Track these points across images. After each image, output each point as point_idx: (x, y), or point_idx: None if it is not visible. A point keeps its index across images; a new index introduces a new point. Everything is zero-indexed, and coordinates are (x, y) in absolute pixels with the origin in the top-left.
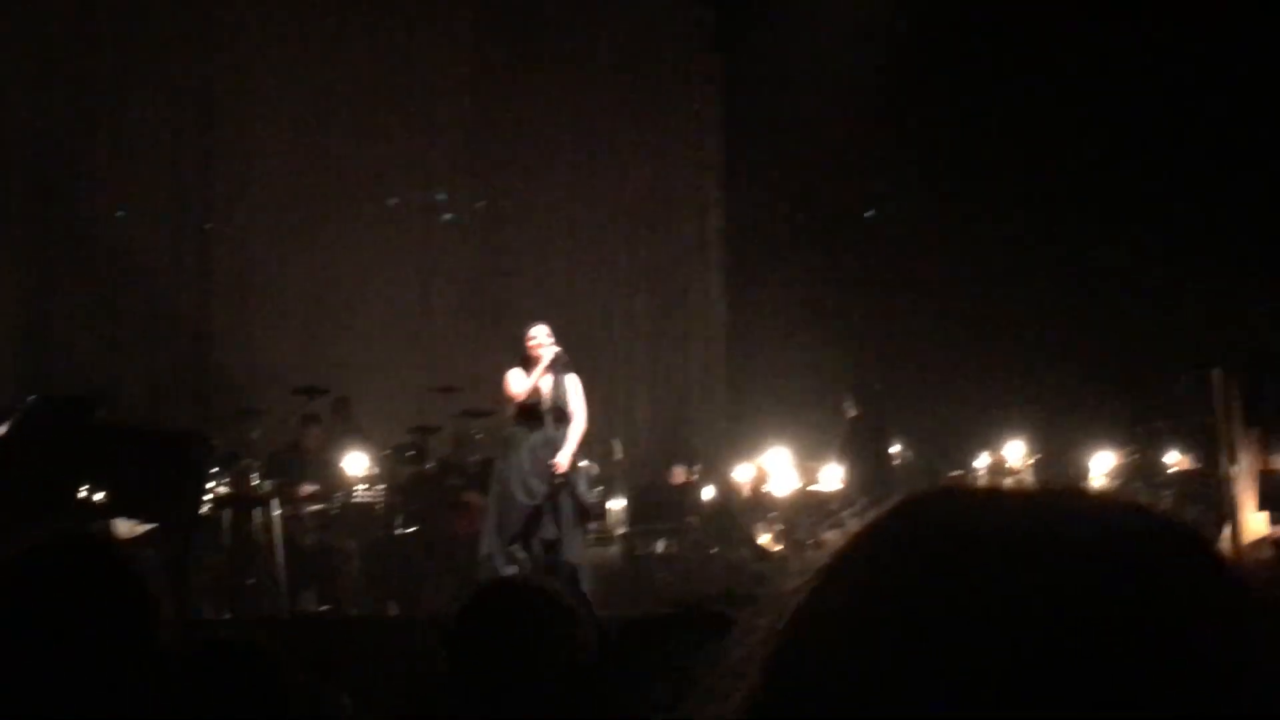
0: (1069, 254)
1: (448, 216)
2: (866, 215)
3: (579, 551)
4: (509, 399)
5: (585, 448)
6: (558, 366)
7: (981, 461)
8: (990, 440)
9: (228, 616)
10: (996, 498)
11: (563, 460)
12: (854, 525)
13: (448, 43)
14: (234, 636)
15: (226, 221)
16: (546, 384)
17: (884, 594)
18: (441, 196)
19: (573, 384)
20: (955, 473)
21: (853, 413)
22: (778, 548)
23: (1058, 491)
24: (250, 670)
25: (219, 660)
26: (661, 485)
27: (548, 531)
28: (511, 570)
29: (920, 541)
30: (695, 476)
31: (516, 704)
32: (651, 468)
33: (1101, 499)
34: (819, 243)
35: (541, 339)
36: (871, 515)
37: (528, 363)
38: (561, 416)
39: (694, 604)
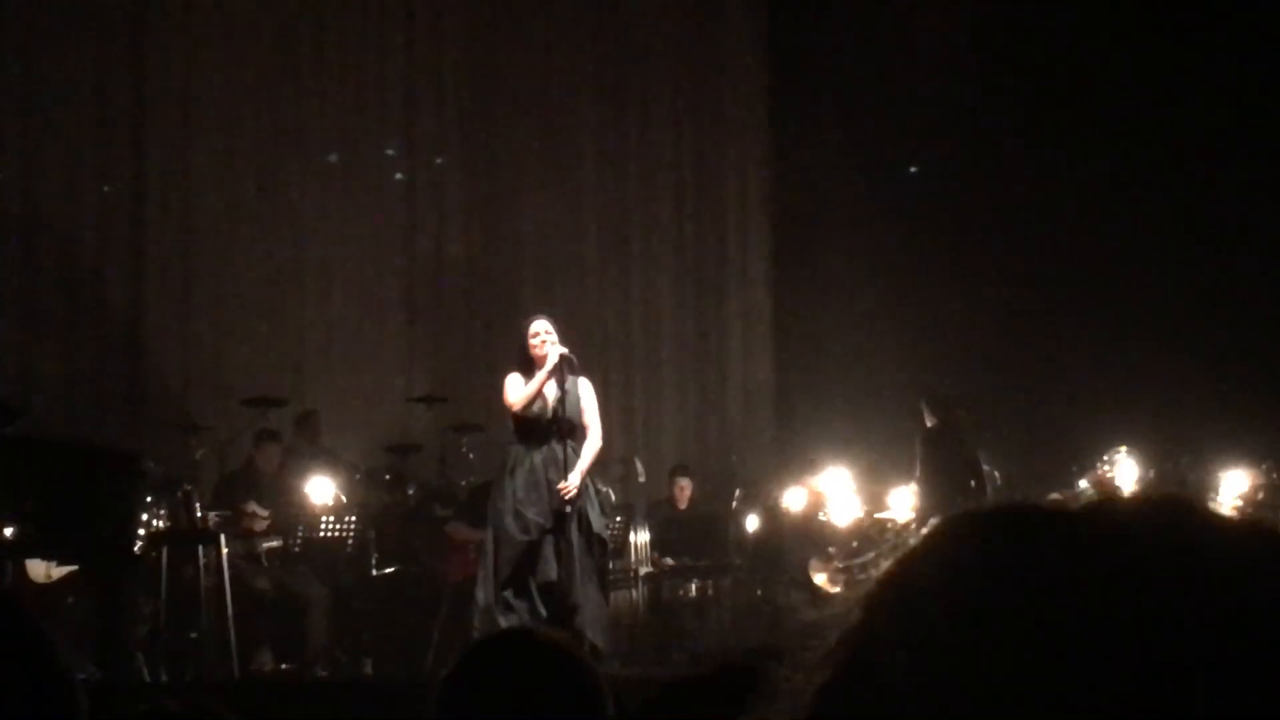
0: (1199, 223)
1: (395, 180)
2: (911, 170)
3: (592, 596)
4: (507, 409)
5: (601, 468)
6: (565, 369)
7: (1085, 483)
8: (1094, 457)
9: (165, 680)
10: (1071, 517)
11: (573, 482)
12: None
13: None
14: (175, 706)
15: (163, 198)
16: (551, 391)
17: (947, 642)
18: (441, 161)
19: (585, 390)
20: (1054, 496)
21: (931, 421)
22: (836, 589)
23: (1160, 505)
24: None
25: None
26: (695, 514)
27: (546, 572)
28: (511, 621)
29: (992, 573)
30: (738, 497)
31: None
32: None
33: (1220, 518)
34: (880, 223)
35: (545, 335)
36: (912, 544)
37: (528, 365)
38: (570, 430)
39: (729, 662)
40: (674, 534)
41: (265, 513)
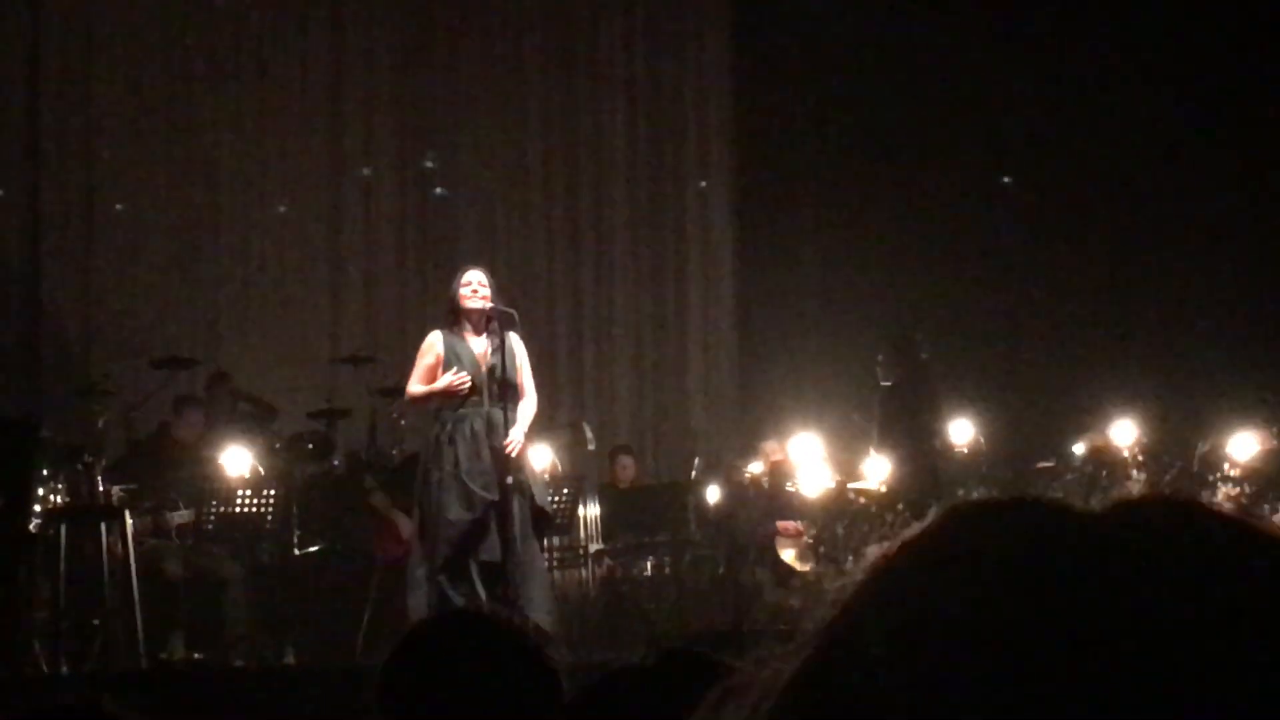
0: (1202, 177)
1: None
2: (885, 112)
3: (537, 576)
4: (408, 400)
5: (547, 435)
6: (501, 326)
7: (1080, 448)
8: (1090, 419)
9: (65, 670)
10: (1074, 517)
11: (516, 437)
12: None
13: None
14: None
15: (60, 138)
16: (480, 347)
17: (939, 645)
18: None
19: (520, 349)
20: (1045, 464)
21: (887, 381)
22: (806, 566)
23: (1162, 504)
24: None
25: None
26: (643, 489)
27: (489, 551)
28: (455, 600)
29: (979, 578)
30: (698, 467)
31: None
32: (638, 460)
33: (1236, 521)
34: (852, 167)
35: (479, 287)
36: (896, 542)
37: (456, 320)
38: (508, 392)
39: (681, 650)
40: (627, 507)
41: (186, 515)
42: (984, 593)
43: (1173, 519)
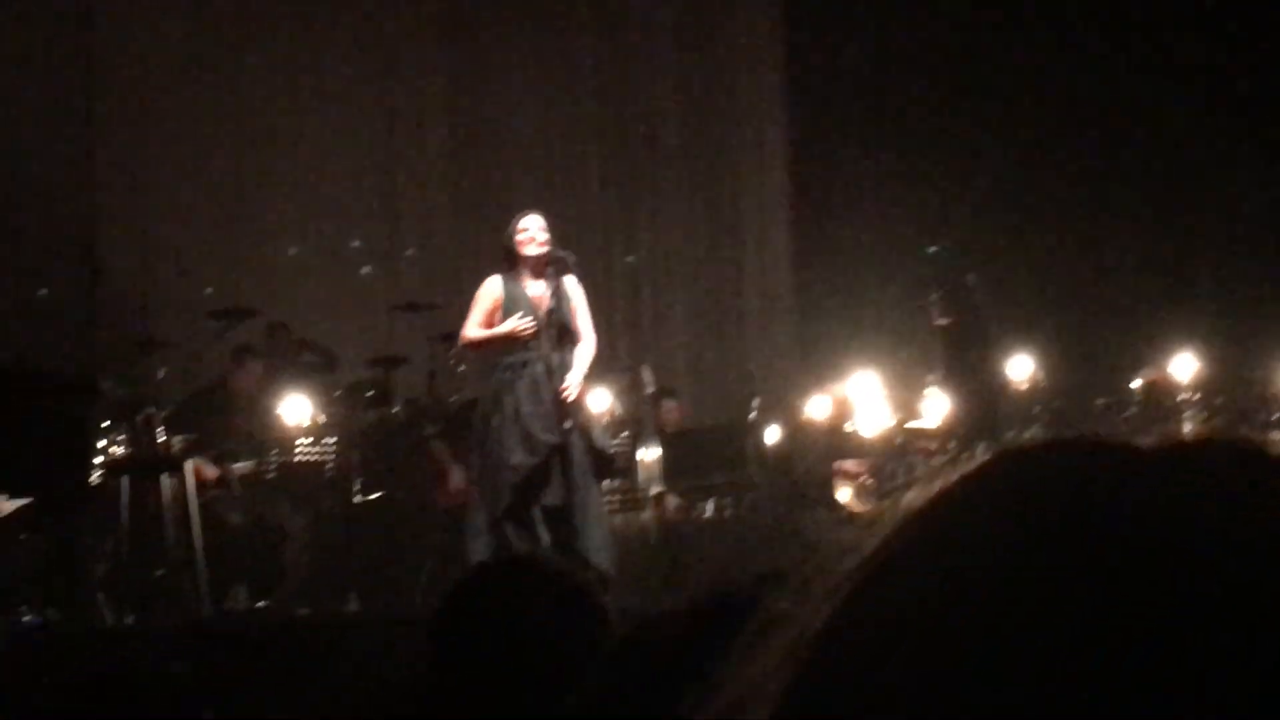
0: (1265, 108)
1: None
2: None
3: (597, 519)
4: (464, 344)
5: (605, 381)
6: (557, 270)
7: (1139, 381)
8: (1150, 353)
9: (129, 622)
10: (1127, 458)
11: (573, 381)
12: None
13: None
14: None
15: (114, 92)
16: (538, 292)
17: (963, 595)
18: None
19: (576, 292)
20: (1102, 400)
21: (943, 320)
22: (864, 506)
23: (1218, 445)
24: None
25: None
26: (709, 428)
27: (552, 496)
28: (518, 546)
29: (1023, 522)
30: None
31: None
32: (694, 402)
33: None
34: (910, 102)
35: (537, 233)
36: (940, 482)
37: (514, 265)
38: (566, 336)
39: (725, 592)
40: (686, 449)
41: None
42: (1029, 536)
43: (1229, 461)
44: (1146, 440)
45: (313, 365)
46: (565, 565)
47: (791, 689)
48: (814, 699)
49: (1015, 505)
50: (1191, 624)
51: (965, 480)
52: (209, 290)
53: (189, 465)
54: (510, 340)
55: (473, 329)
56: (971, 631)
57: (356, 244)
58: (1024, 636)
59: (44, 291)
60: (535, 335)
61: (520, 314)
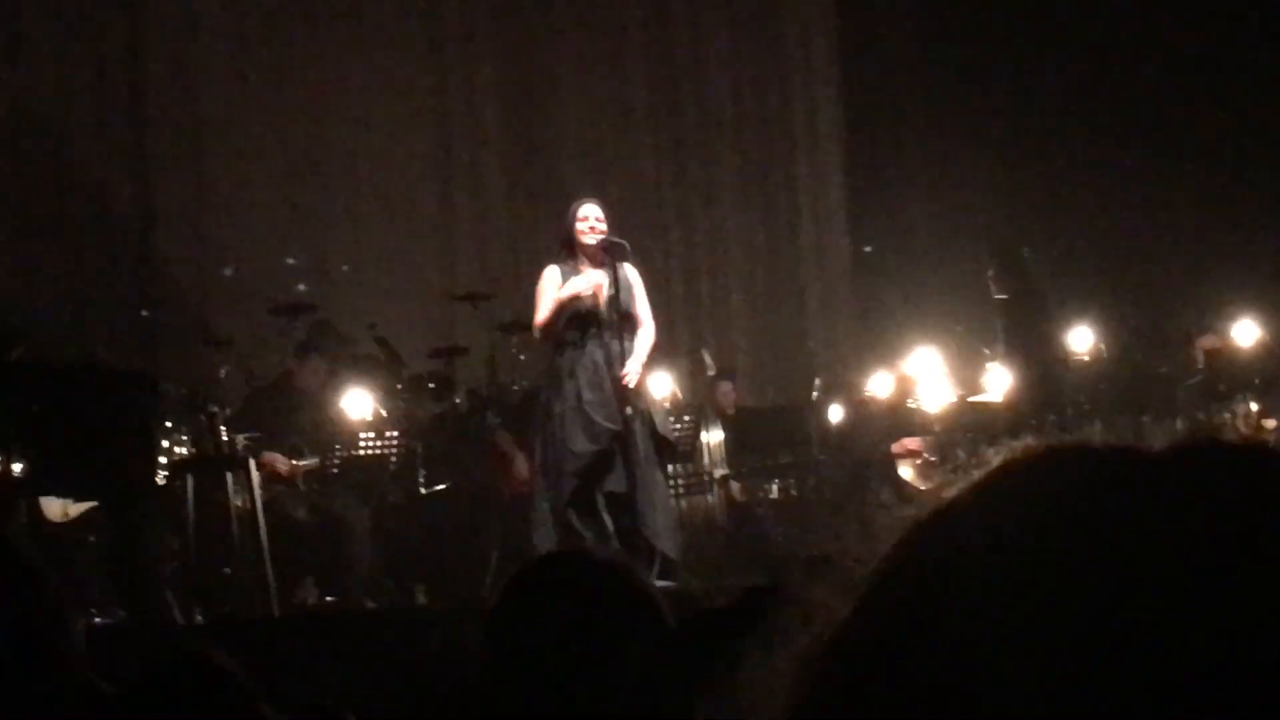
0: None
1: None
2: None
3: (661, 504)
4: (538, 327)
5: (667, 365)
6: (615, 257)
7: (1200, 346)
8: (1211, 318)
9: (199, 620)
10: (1133, 462)
11: (633, 369)
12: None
13: None
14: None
15: (165, 89)
16: (601, 280)
17: (972, 599)
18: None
19: (635, 279)
20: (1165, 368)
21: (1002, 295)
22: (927, 484)
23: (1225, 448)
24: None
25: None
26: (771, 409)
27: (616, 482)
28: (583, 533)
29: (1031, 529)
30: (818, 387)
31: (571, 710)
32: (755, 384)
33: None
34: (964, 77)
35: (596, 223)
36: (966, 483)
37: (572, 254)
38: (626, 324)
39: (755, 587)
40: (749, 431)
41: (309, 462)
42: (1037, 543)
43: (1234, 465)
44: (1155, 444)
45: (381, 364)
46: (618, 558)
47: (803, 690)
48: (823, 701)
49: (1024, 512)
50: (1197, 626)
51: (975, 487)
52: (268, 287)
53: (255, 460)
54: (577, 306)
55: (543, 311)
56: (979, 637)
57: (413, 235)
58: (1030, 641)
59: (145, 313)
60: (595, 322)
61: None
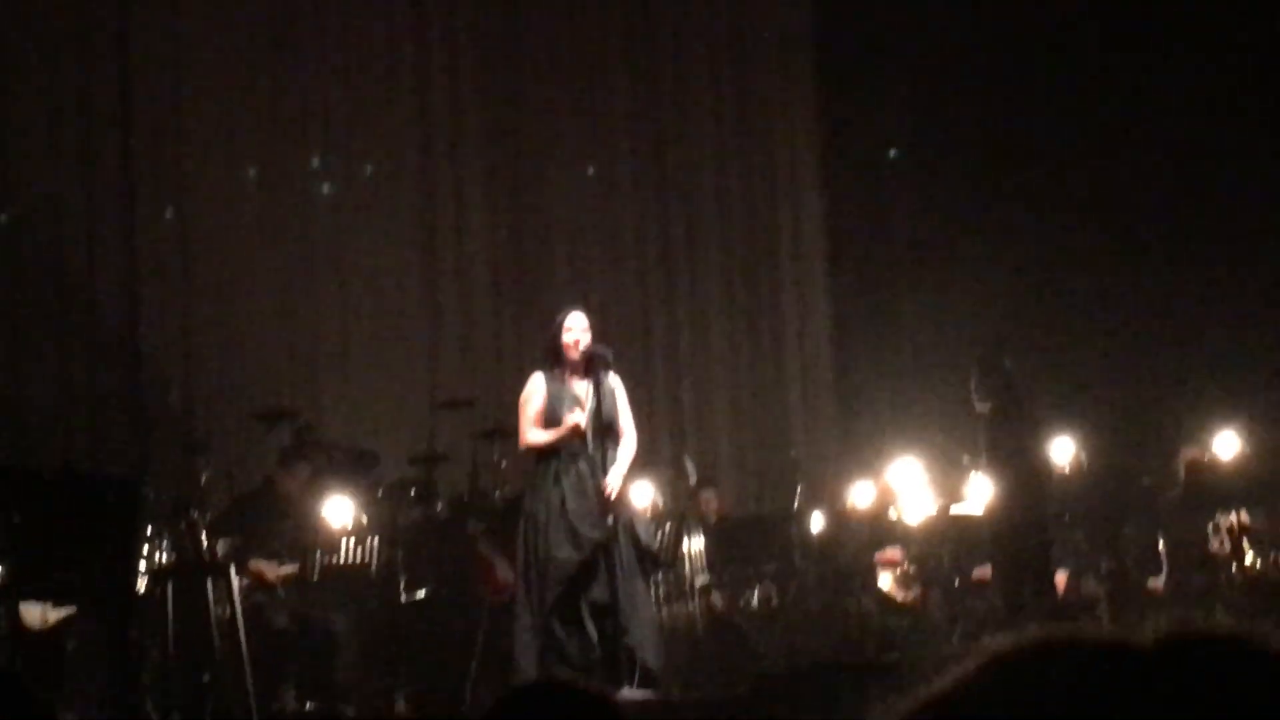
0: None
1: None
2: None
3: (643, 614)
4: (525, 449)
5: (648, 474)
6: (599, 367)
7: (1182, 459)
8: (1194, 430)
9: None
10: (1122, 661)
11: (613, 480)
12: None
13: None
14: None
15: (155, 192)
16: (582, 389)
17: None
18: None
19: (619, 388)
20: (1147, 479)
21: (984, 405)
22: (909, 594)
23: (1214, 642)
24: None
25: None
26: (753, 517)
27: (598, 591)
28: (558, 651)
29: None
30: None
31: None
32: (737, 492)
33: None
34: (950, 180)
35: (581, 334)
36: (957, 674)
37: (557, 362)
38: (609, 433)
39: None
40: (731, 539)
41: (290, 569)
42: None
43: (1220, 661)
44: (1144, 636)
45: (351, 464)
46: (597, 689)
47: None
48: None
49: (1016, 714)
50: None
51: (965, 680)
52: (251, 390)
53: (236, 567)
54: (573, 438)
55: (532, 432)
56: None
57: (397, 341)
58: None
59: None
60: (579, 432)
61: (568, 406)
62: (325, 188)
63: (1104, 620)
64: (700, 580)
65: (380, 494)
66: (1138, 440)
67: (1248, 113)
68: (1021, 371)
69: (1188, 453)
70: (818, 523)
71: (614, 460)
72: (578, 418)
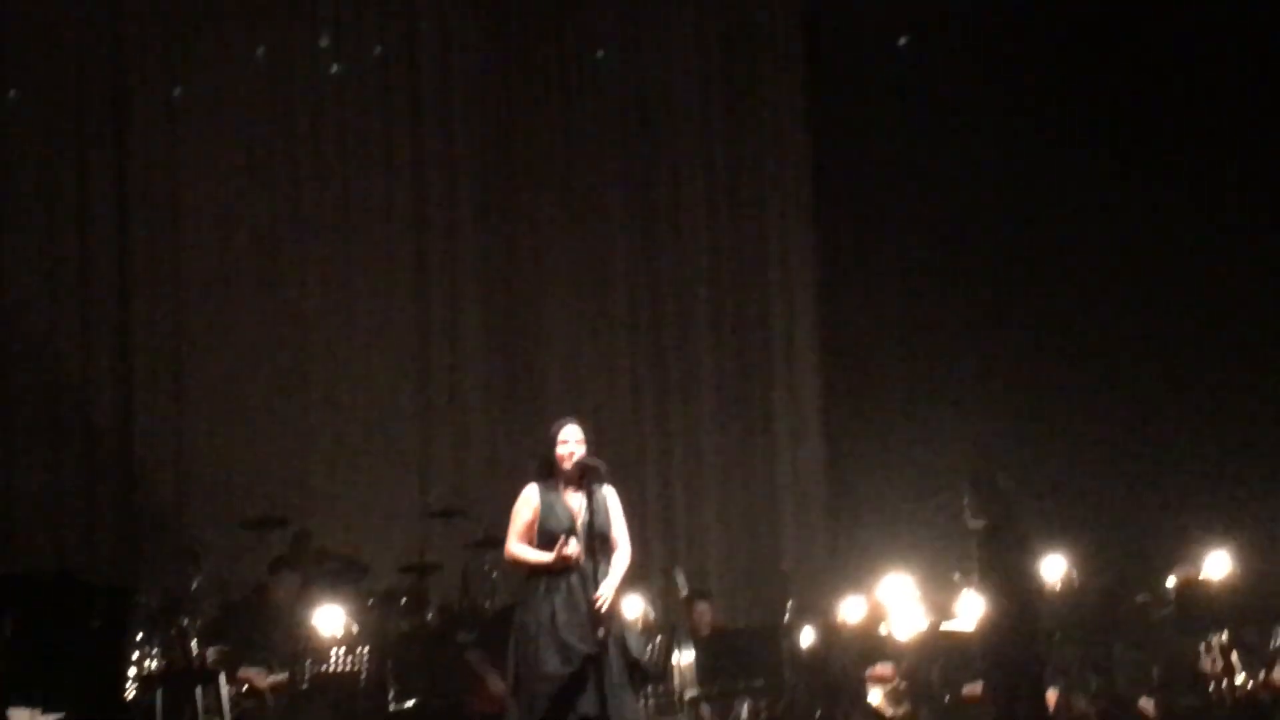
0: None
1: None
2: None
3: None
4: (510, 561)
5: (639, 586)
6: (592, 479)
7: (1172, 580)
8: (1184, 550)
9: None
10: None
11: (606, 592)
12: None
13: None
14: None
15: (150, 299)
16: (576, 501)
17: None
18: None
19: (612, 500)
20: (1140, 598)
21: (977, 524)
22: (900, 710)
23: None
24: None
25: None
26: (743, 630)
27: (588, 705)
28: None
29: None
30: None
31: None
32: (728, 605)
33: None
34: (940, 300)
35: (575, 446)
36: None
37: (550, 474)
38: (602, 546)
39: None
40: (721, 652)
41: (280, 677)
42: None
43: None
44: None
45: (341, 573)
46: None
47: None
48: None
49: None
50: None
51: None
52: (243, 497)
53: (226, 675)
54: (552, 528)
55: (518, 546)
56: None
57: (389, 451)
58: None
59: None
60: (574, 532)
61: (565, 538)
62: (317, 298)
63: None
64: (689, 693)
65: (371, 603)
66: (1129, 559)
67: (1239, 229)
68: (1016, 489)
69: (1181, 572)
70: (808, 637)
71: (605, 573)
72: (572, 549)
